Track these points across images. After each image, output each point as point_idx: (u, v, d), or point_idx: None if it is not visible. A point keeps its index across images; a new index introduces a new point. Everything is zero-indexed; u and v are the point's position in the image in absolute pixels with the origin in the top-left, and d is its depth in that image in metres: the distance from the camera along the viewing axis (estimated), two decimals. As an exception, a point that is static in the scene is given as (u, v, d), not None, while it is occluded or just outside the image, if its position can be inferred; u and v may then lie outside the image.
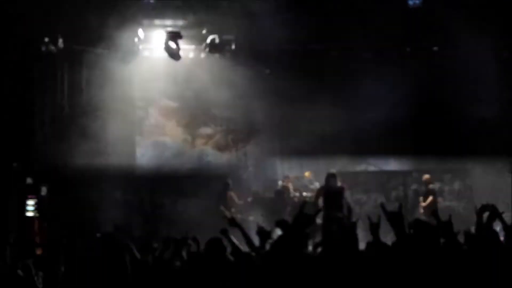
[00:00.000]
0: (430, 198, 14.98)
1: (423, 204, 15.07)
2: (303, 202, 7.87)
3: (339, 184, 13.74)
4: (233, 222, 8.04)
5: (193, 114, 16.90)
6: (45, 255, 7.55)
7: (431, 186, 15.31)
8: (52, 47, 14.25)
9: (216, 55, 15.83)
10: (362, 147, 15.85)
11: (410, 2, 13.59)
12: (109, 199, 14.57)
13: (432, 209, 8.17)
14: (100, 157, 14.69)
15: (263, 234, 7.67)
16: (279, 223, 7.81)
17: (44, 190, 14.00)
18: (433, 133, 15.73)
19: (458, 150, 15.68)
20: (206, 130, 17.04)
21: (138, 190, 15.90)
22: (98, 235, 7.68)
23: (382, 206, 7.27)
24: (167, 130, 16.89)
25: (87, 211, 13.99)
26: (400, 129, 15.21)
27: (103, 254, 7.34)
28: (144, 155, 16.58)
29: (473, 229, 7.56)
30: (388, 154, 16.68)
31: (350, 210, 13.47)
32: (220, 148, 17.06)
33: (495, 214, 7.45)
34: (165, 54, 15.24)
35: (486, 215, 7.52)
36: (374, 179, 16.97)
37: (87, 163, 14.31)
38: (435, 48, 15.52)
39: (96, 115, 15.17)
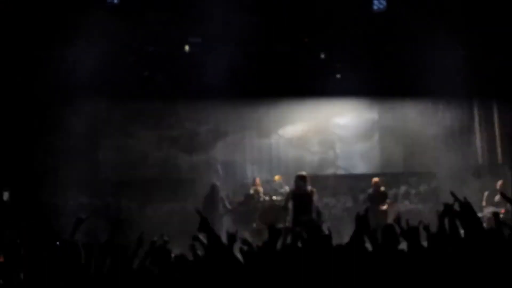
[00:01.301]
0: (388, 202, 14.94)
1: (383, 207, 14.76)
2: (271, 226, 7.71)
3: (309, 187, 13.57)
4: (204, 225, 7.85)
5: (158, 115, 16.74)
6: (5, 262, 7.54)
7: (382, 189, 15.09)
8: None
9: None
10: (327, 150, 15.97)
11: (375, 7, 13.67)
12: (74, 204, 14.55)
13: (396, 216, 8.19)
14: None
15: (231, 238, 7.67)
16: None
17: (6, 195, 13.88)
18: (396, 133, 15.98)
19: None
20: (172, 132, 16.88)
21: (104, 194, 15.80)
22: (58, 243, 7.65)
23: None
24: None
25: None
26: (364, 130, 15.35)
27: (63, 260, 7.33)
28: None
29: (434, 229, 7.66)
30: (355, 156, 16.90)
31: (319, 213, 13.48)
32: (188, 150, 16.93)
33: (453, 213, 7.52)
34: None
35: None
36: (342, 182, 17.06)
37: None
38: (398, 51, 15.56)
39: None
